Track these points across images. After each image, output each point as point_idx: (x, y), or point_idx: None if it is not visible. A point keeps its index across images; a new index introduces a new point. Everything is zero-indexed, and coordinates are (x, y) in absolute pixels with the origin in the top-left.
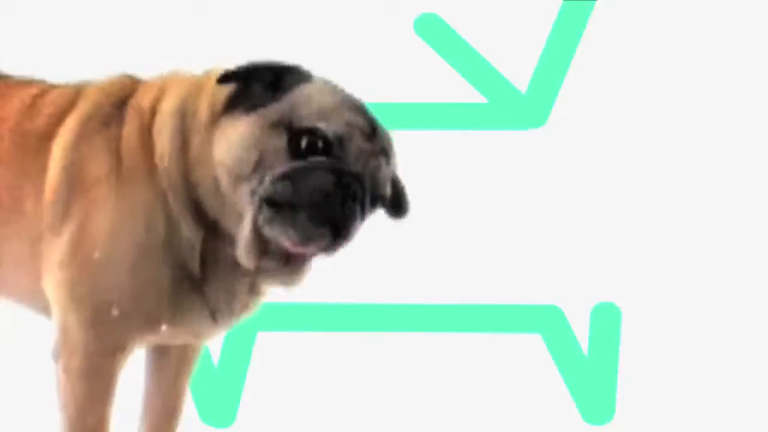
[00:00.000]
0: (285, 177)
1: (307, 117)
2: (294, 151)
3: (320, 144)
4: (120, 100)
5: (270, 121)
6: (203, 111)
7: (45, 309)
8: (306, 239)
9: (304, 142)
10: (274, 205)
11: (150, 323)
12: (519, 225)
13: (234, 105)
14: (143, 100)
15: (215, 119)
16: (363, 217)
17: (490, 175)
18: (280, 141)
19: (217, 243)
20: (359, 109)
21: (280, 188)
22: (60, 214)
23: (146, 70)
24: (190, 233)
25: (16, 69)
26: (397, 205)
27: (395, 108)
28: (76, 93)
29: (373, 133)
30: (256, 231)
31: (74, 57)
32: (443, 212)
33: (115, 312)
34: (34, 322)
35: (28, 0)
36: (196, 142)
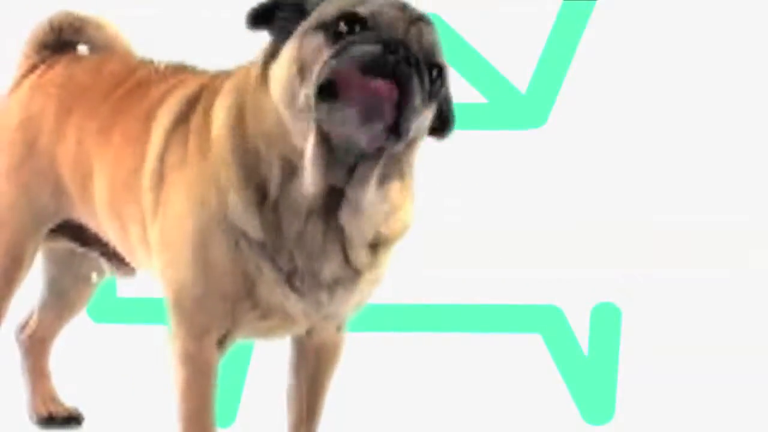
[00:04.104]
0: (331, 59)
1: (336, 8)
2: (334, 40)
3: (357, 25)
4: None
5: (303, 33)
6: (252, 76)
7: None
8: (368, 113)
9: (341, 26)
10: (327, 91)
11: (227, 301)
12: (519, 225)
13: (273, 50)
14: (216, 83)
15: (264, 72)
16: (423, 84)
17: (489, 176)
18: (318, 38)
19: (286, 206)
20: None
21: (327, 69)
22: (153, 202)
23: None
24: (237, 196)
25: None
26: (442, 118)
27: None
28: (195, 78)
29: (405, 6)
30: (320, 138)
31: None
32: (443, 212)
33: (190, 293)
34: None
35: None
36: (250, 104)
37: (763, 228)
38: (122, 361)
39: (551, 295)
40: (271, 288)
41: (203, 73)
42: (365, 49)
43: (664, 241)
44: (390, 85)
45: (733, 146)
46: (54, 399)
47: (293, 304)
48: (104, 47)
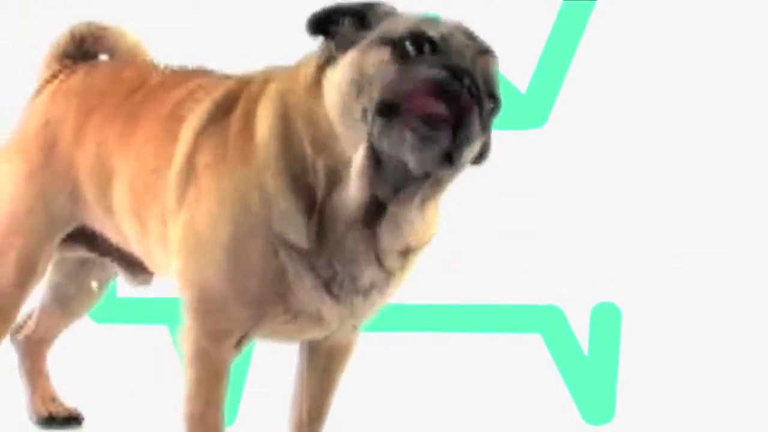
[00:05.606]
0: (397, 77)
1: (405, 27)
2: (400, 58)
3: (426, 46)
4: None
5: (367, 45)
6: (301, 82)
7: None
8: (425, 138)
9: (409, 46)
10: (387, 109)
11: (254, 305)
12: (519, 225)
13: (329, 57)
14: (254, 86)
15: (317, 77)
16: (482, 116)
17: (489, 175)
18: (383, 53)
19: (328, 213)
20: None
21: (392, 86)
22: (178, 200)
23: None
24: (287, 204)
25: None
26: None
27: None
28: (220, 81)
29: (473, 35)
30: (371, 152)
31: None
32: (443, 212)
33: (216, 296)
34: None
35: None
36: (298, 109)
37: (763, 228)
38: (122, 361)
39: (551, 295)
40: (309, 294)
41: (222, 76)
42: (433, 72)
43: (665, 242)
44: (452, 112)
45: (735, 145)
46: (54, 399)
47: (329, 309)
48: (124, 56)
